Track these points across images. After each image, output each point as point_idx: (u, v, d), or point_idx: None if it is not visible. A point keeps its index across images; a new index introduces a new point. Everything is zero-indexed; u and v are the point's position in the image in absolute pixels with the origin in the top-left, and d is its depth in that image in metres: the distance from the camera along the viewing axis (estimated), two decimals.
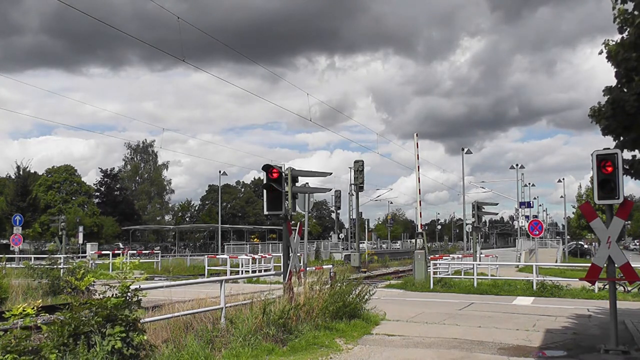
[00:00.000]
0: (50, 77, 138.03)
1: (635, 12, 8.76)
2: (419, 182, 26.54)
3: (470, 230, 32.30)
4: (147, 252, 44.69)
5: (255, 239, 73.60)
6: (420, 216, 28.31)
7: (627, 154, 9.77)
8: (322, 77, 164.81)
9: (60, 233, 35.58)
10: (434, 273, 21.29)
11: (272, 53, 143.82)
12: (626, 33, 9.07)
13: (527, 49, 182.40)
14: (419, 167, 26.55)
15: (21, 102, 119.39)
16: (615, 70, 9.51)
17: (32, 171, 63.03)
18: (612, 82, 9.70)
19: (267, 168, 11.45)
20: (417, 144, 26.70)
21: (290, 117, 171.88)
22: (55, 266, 18.14)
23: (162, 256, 40.32)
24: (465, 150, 45.79)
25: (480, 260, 28.58)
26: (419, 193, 26.70)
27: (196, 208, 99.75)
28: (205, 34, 28.36)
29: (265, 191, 11.68)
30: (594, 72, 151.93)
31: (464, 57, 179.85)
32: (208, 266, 29.29)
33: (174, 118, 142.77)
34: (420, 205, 27.45)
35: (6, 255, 25.47)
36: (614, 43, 9.33)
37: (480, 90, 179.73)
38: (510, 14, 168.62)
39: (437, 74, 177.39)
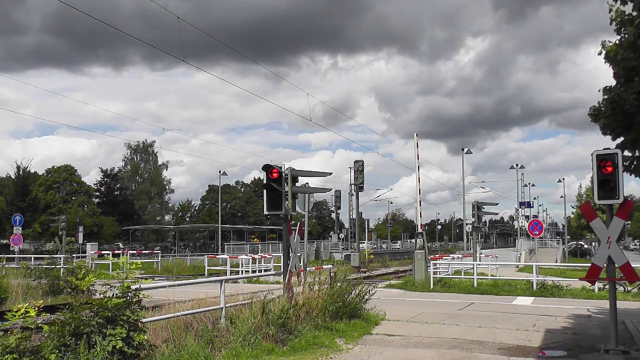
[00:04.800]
0: (52, 77, 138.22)
1: (634, 13, 8.76)
2: (419, 182, 26.57)
3: (470, 230, 32.28)
4: (147, 252, 44.76)
5: (255, 239, 73.57)
6: (420, 216, 28.33)
7: (626, 154, 9.78)
8: (325, 77, 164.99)
9: (60, 233, 35.58)
10: (434, 273, 21.32)
11: (275, 53, 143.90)
12: (624, 34, 9.06)
13: (530, 48, 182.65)
14: (419, 167, 26.58)
15: (23, 102, 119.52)
16: (614, 70, 9.52)
17: (32, 171, 63.07)
18: (614, 81, 9.71)
19: (267, 168, 11.46)
20: (417, 143, 26.72)
21: (292, 117, 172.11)
22: (54, 266, 18.17)
23: (162, 256, 40.35)
24: (466, 150, 45.96)
25: (480, 260, 28.63)
26: (419, 193, 26.71)
27: (196, 208, 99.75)
28: (206, 34, 28.40)
29: (265, 191, 11.69)
30: (598, 72, 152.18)
31: (468, 57, 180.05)
32: (208, 266, 29.35)
33: (176, 118, 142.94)
34: (420, 205, 27.47)
35: (6, 256, 25.47)
36: (612, 44, 9.33)
37: (483, 90, 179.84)
38: (513, 13, 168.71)
39: (440, 74, 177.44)
